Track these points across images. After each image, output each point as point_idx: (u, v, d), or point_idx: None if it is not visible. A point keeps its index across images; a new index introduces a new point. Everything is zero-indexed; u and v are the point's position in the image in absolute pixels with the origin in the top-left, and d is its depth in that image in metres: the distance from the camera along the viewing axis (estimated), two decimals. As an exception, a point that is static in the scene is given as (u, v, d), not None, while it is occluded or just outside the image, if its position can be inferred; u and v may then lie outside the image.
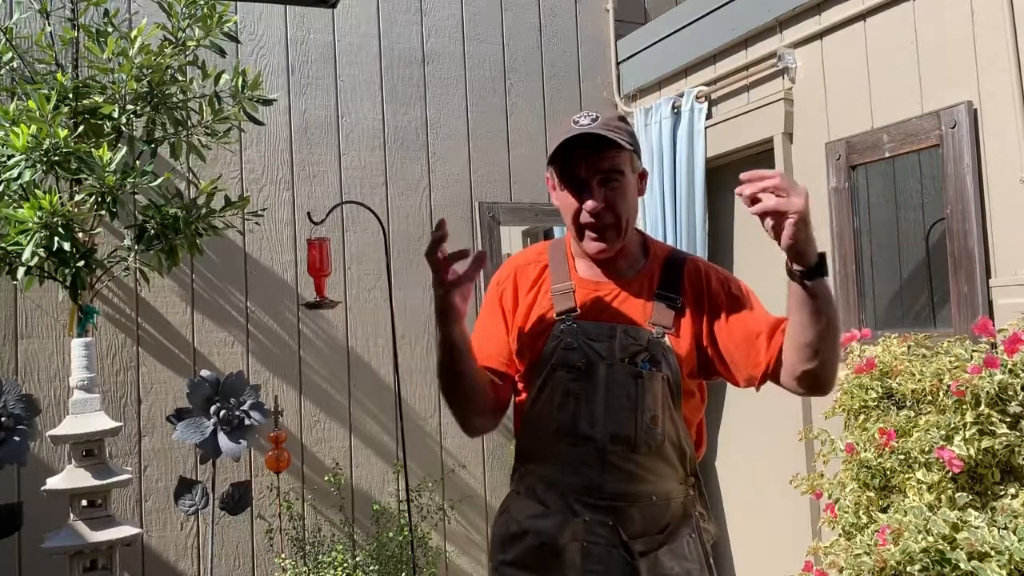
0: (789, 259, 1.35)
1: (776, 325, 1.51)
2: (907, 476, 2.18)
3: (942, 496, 2.09)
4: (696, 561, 1.55)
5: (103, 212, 2.38)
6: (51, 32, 2.58)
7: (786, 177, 1.31)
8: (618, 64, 4.09)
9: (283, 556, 3.10)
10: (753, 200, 1.31)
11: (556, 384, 1.54)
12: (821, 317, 1.37)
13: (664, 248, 1.67)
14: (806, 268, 1.35)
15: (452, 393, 1.56)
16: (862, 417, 2.37)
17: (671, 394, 1.52)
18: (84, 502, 2.41)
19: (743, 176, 1.33)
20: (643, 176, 1.61)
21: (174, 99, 2.60)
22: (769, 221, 1.31)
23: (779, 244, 1.33)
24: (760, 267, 3.43)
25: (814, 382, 1.46)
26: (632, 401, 1.50)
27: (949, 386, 2.11)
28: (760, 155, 3.39)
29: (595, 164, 1.51)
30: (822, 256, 1.35)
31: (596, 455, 1.51)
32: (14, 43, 2.55)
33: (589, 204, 1.51)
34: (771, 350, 1.49)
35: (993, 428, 2.03)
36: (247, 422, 2.62)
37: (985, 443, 2.03)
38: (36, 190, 2.26)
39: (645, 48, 3.93)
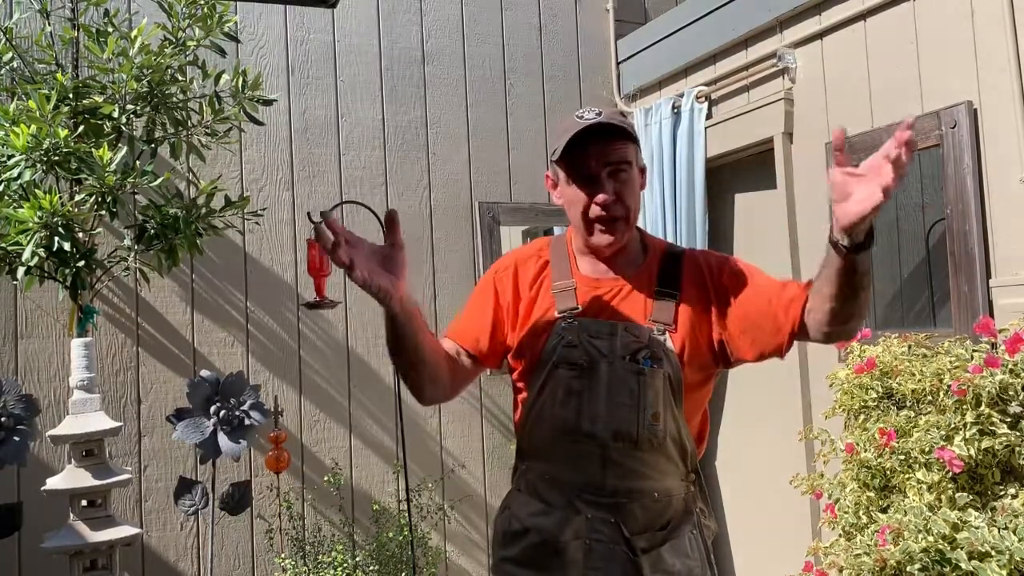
0: (844, 232, 1.27)
1: (789, 292, 1.49)
2: (907, 476, 2.18)
3: (942, 496, 2.09)
4: (697, 558, 1.56)
5: (103, 212, 2.38)
6: (51, 32, 2.58)
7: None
8: (618, 64, 4.09)
9: (283, 556, 3.10)
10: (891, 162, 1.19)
11: (558, 382, 1.55)
12: (858, 289, 1.34)
13: (661, 244, 1.68)
14: (855, 243, 1.28)
15: (399, 359, 1.54)
16: (862, 417, 2.36)
17: (672, 391, 1.52)
18: (84, 502, 2.41)
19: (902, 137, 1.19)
20: (643, 171, 1.62)
21: (174, 99, 2.60)
22: (862, 191, 1.21)
23: (846, 215, 1.24)
24: (759, 266, 3.44)
25: (840, 335, 1.45)
26: (634, 398, 1.50)
27: (949, 386, 2.11)
28: (760, 155, 3.40)
29: (605, 156, 1.51)
30: (871, 230, 1.29)
31: (598, 452, 1.52)
32: (14, 43, 2.55)
33: (601, 197, 1.51)
34: (790, 318, 1.47)
35: (993, 428, 2.03)
36: (247, 422, 2.62)
37: (985, 443, 2.03)
38: (36, 190, 2.26)
39: (645, 48, 3.93)
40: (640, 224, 3.68)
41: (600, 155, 1.51)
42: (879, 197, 1.19)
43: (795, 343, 1.52)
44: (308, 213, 3.11)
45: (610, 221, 1.53)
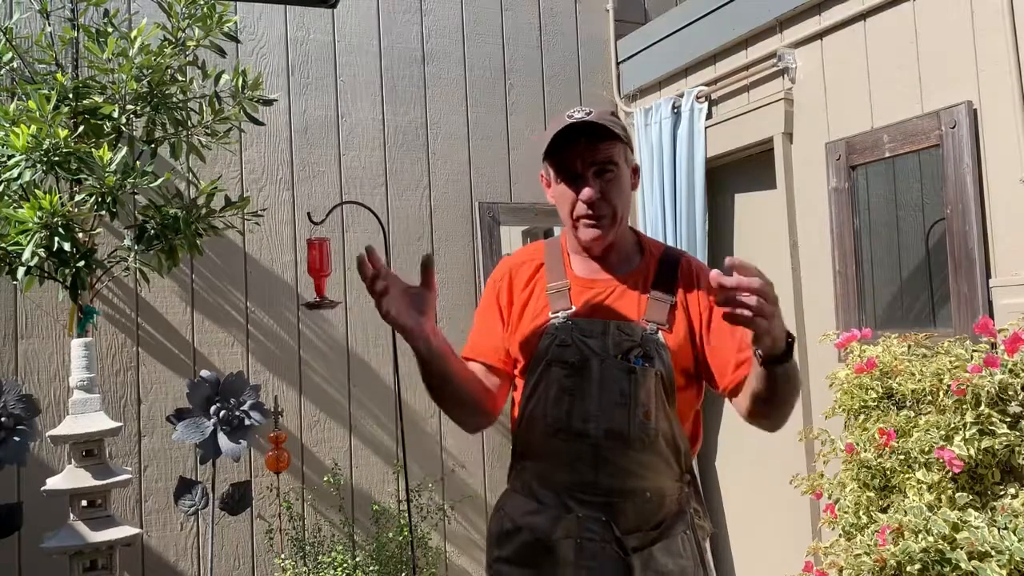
0: (754, 342, 1.27)
1: (748, 353, 1.49)
2: (907, 476, 2.18)
3: (942, 496, 2.09)
4: (691, 558, 1.56)
5: (103, 212, 2.38)
6: (51, 32, 2.58)
7: (763, 277, 1.19)
8: (618, 64, 4.09)
9: (283, 556, 3.10)
10: (729, 298, 1.18)
11: (550, 380, 1.56)
12: (778, 393, 1.37)
13: (658, 246, 1.69)
14: (769, 355, 1.28)
15: (439, 399, 1.58)
16: (862, 417, 2.36)
17: (664, 390, 1.53)
18: (84, 502, 2.41)
19: (730, 263, 1.18)
20: (635, 171, 1.63)
21: (174, 99, 2.59)
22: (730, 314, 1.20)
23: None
24: (759, 267, 3.43)
25: (764, 426, 1.50)
26: (625, 396, 1.51)
27: (949, 386, 2.11)
28: (760, 155, 3.40)
29: (591, 155, 1.53)
30: (790, 344, 1.29)
31: (590, 451, 1.52)
32: (14, 43, 2.55)
33: (585, 193, 1.53)
34: (734, 376, 1.51)
35: (993, 428, 2.03)
36: (247, 422, 2.62)
37: (985, 443, 2.03)
38: (36, 190, 2.26)
39: (645, 48, 3.93)
40: (640, 224, 3.68)
41: (586, 155, 1.53)
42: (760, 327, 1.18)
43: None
44: (308, 214, 3.12)
45: (595, 218, 1.55)
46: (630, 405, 1.51)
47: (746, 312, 1.18)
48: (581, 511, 1.52)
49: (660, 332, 1.54)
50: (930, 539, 1.96)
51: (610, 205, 1.55)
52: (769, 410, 1.43)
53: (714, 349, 1.55)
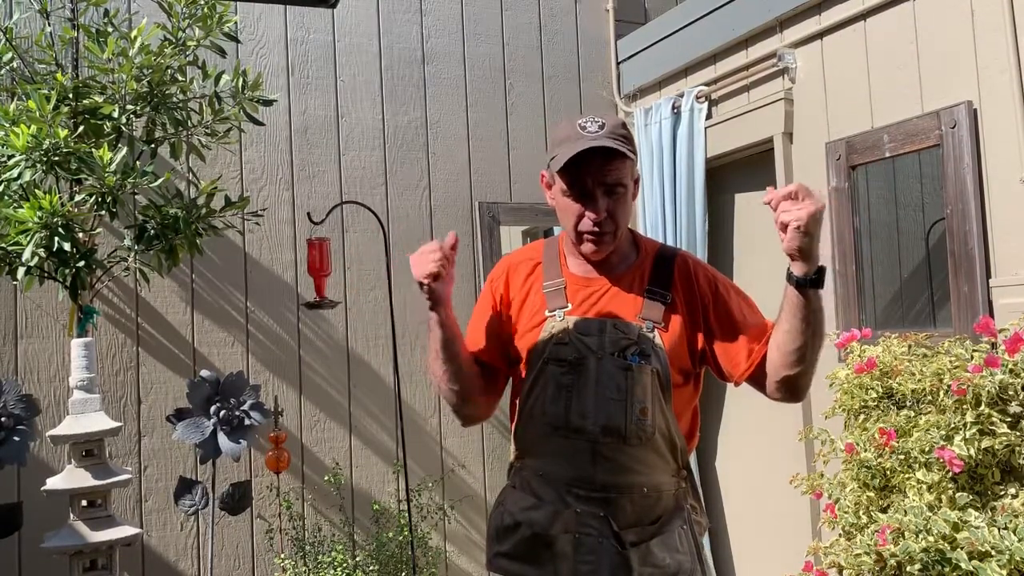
0: (792, 263, 1.39)
1: (762, 333, 1.56)
2: (907, 476, 2.18)
3: (942, 496, 2.09)
4: (688, 553, 1.58)
5: (103, 212, 2.38)
6: (51, 32, 2.58)
7: (804, 187, 1.38)
8: (618, 64, 4.09)
9: (283, 556, 3.10)
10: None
11: (548, 378, 1.58)
12: (809, 326, 1.43)
13: (653, 244, 1.71)
14: (804, 276, 1.39)
15: (442, 376, 1.63)
16: (862, 417, 2.36)
17: (661, 387, 1.55)
18: (84, 502, 2.40)
19: (769, 192, 1.40)
20: (636, 182, 1.66)
21: (174, 99, 2.60)
22: (780, 224, 1.37)
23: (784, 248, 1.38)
24: (759, 267, 3.44)
25: (791, 388, 1.52)
26: (622, 393, 1.53)
27: (949, 386, 2.11)
28: (760, 155, 3.39)
29: (602, 177, 1.55)
30: (822, 269, 1.40)
31: (588, 447, 1.54)
32: (14, 43, 2.55)
33: (592, 216, 1.56)
34: (752, 357, 1.55)
35: (993, 428, 2.03)
36: (247, 422, 2.62)
37: (985, 443, 2.03)
38: (36, 190, 2.26)
39: (645, 48, 3.93)
40: (640, 224, 3.69)
41: (597, 175, 1.55)
42: (792, 227, 1.36)
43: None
44: (308, 214, 3.12)
45: (599, 235, 1.57)
46: (626, 402, 1.53)
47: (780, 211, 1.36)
48: (579, 506, 1.54)
49: (656, 330, 1.56)
50: (930, 539, 1.96)
51: (614, 223, 1.57)
52: (802, 356, 1.45)
53: (721, 343, 1.57)
